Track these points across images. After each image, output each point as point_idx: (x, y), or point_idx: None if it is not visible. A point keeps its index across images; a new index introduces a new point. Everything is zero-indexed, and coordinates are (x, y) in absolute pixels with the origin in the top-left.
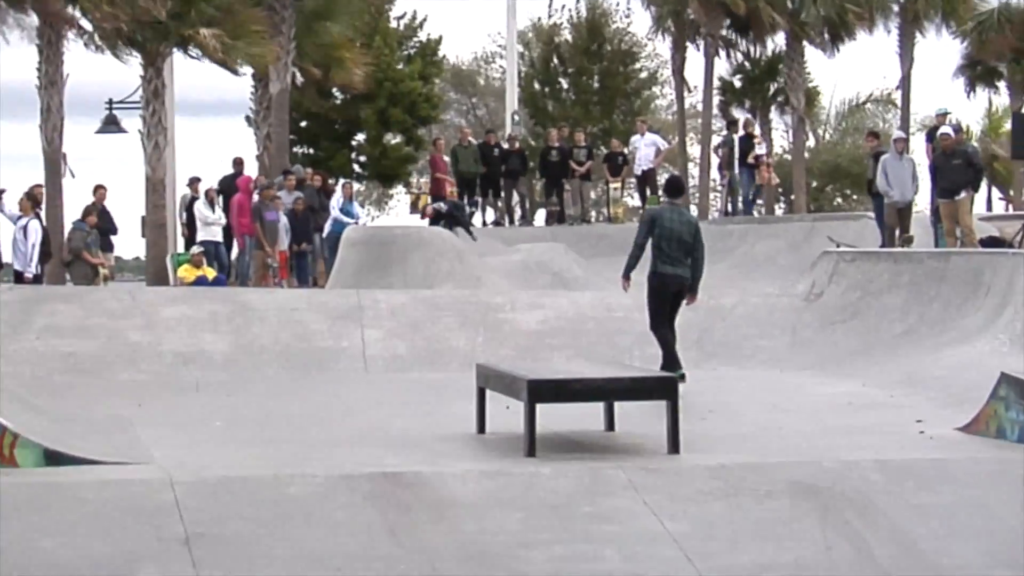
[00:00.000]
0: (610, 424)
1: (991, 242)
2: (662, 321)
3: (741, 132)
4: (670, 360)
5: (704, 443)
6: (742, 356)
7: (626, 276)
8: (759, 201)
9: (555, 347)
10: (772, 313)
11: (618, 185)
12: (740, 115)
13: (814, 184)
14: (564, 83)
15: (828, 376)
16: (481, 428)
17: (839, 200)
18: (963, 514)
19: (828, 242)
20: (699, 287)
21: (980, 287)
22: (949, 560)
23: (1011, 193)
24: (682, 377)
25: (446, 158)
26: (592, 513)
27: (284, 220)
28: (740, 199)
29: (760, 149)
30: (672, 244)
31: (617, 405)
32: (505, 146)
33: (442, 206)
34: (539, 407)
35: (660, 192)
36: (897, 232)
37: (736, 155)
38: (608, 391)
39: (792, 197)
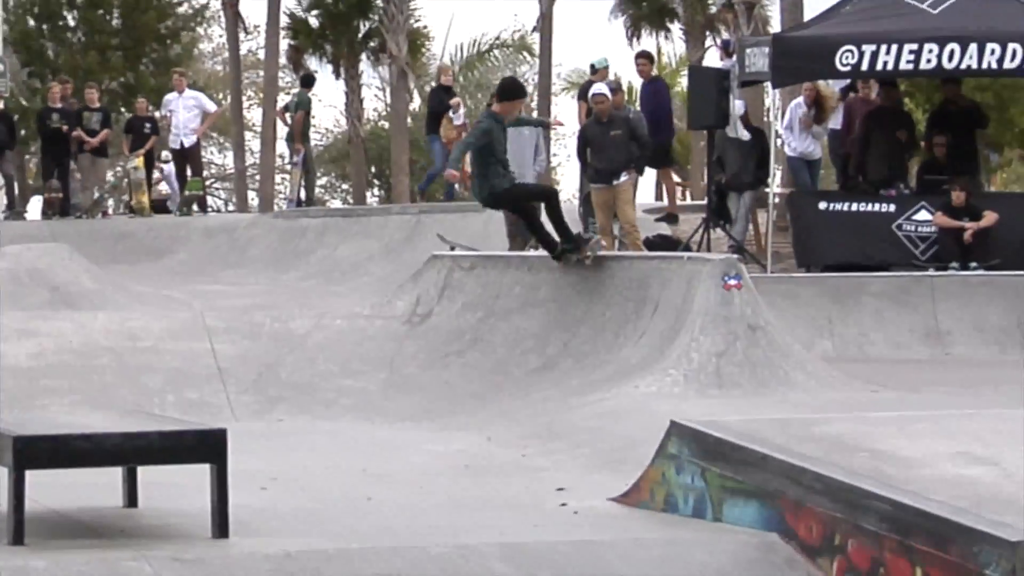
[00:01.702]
0: (132, 498)
1: (660, 243)
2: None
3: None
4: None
5: (263, 523)
6: (320, 402)
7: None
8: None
9: (54, 391)
10: (362, 342)
11: (139, 163)
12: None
13: (420, 164)
14: (71, 18)
15: (439, 428)
16: None
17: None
18: None
19: (439, 242)
20: None
21: (645, 304)
22: None
23: (686, 177)
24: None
25: None
26: None
27: None
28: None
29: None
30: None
31: (142, 471)
32: None
33: None
34: (30, 475)
35: (195, 175)
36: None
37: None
38: (129, 452)
39: (391, 180)
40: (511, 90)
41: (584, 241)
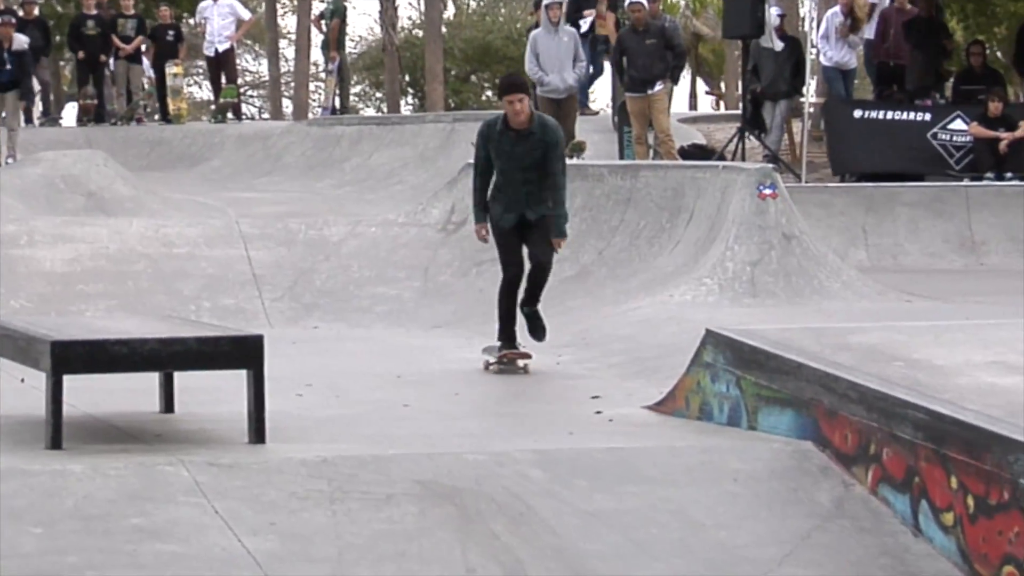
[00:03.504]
0: (168, 404)
1: (695, 152)
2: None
3: None
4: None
5: (300, 429)
6: (354, 309)
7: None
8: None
9: (91, 296)
10: (396, 250)
11: (179, 71)
12: None
13: (454, 72)
14: None
15: (472, 336)
16: None
17: (489, 94)
18: (653, 524)
19: (473, 150)
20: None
21: (680, 214)
22: None
23: (722, 87)
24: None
25: None
26: (142, 527)
27: None
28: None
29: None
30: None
31: (179, 377)
32: (18, 12)
33: None
34: (68, 380)
35: (230, 82)
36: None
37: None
38: (165, 357)
39: (425, 89)
40: (502, 86)
41: (506, 351)
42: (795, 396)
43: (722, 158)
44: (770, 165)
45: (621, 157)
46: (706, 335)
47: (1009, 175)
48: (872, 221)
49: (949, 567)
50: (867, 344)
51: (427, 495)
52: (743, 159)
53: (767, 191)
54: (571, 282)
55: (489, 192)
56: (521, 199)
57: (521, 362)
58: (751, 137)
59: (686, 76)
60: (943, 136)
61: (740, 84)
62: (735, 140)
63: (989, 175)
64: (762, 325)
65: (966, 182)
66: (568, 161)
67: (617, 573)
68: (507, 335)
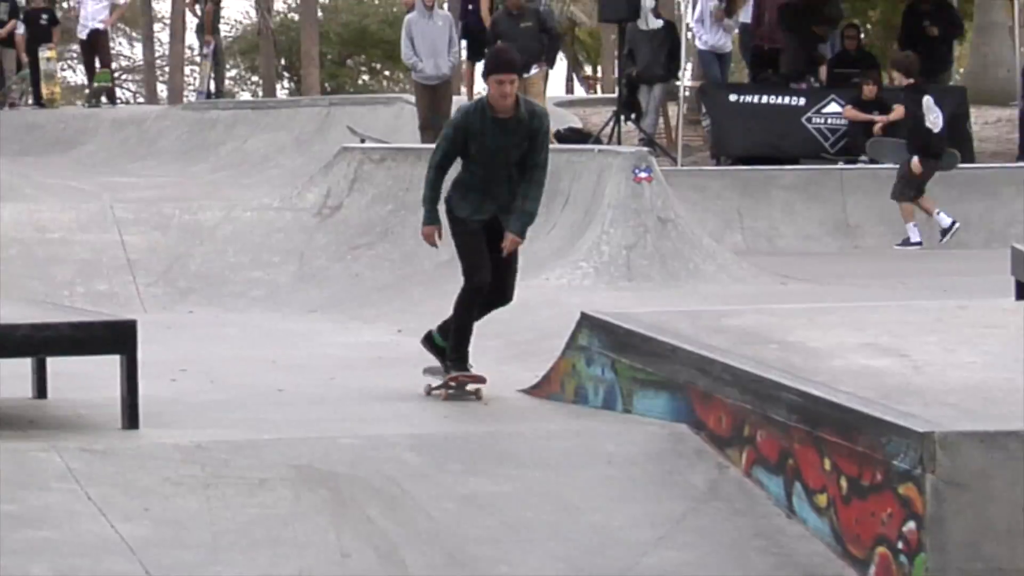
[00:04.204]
0: (41, 389)
1: (571, 135)
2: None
3: None
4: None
5: (174, 414)
6: (229, 293)
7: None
8: None
9: None
10: (271, 234)
11: (52, 55)
12: None
13: (330, 56)
14: None
15: (349, 320)
16: None
17: (366, 77)
18: (528, 507)
19: (349, 134)
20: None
21: (556, 197)
22: (509, 569)
23: (597, 72)
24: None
25: None
26: (14, 513)
27: None
28: None
29: None
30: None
31: (52, 362)
32: None
33: None
34: None
35: (103, 66)
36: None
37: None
38: (38, 343)
39: (300, 73)
40: (490, 63)
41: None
42: (670, 379)
43: (598, 142)
44: (646, 149)
45: None
46: (581, 319)
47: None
48: (747, 204)
49: (822, 548)
50: (742, 327)
51: (301, 480)
52: (619, 143)
53: (643, 174)
54: (446, 266)
55: (448, 191)
56: (499, 197)
57: (472, 386)
58: (627, 121)
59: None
60: (818, 120)
61: (616, 68)
62: (611, 124)
63: (863, 158)
64: (637, 308)
65: (840, 165)
66: None
67: (492, 556)
68: (460, 355)
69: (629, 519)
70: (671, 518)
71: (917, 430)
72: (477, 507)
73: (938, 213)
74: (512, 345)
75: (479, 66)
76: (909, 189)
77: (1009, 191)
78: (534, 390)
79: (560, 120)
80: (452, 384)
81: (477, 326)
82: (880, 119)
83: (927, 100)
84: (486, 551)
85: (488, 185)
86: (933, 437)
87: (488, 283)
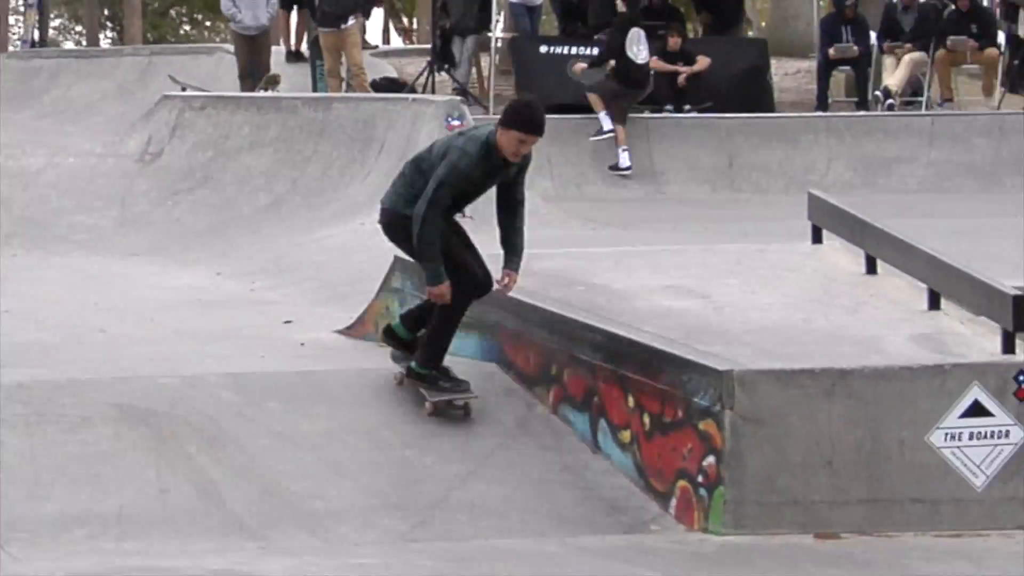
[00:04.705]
0: None
1: (387, 85)
2: None
3: None
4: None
5: None
6: (53, 237)
7: None
8: None
9: None
10: (94, 179)
11: None
12: None
13: (152, 6)
14: None
15: (169, 263)
16: None
17: (188, 27)
18: (343, 443)
19: (171, 83)
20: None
21: (371, 144)
22: (323, 504)
23: (413, 23)
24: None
25: None
26: None
27: None
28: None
29: None
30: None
31: None
32: None
33: None
34: None
35: None
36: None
37: None
38: None
39: (123, 23)
40: (525, 121)
41: (444, 383)
42: (480, 320)
43: (413, 91)
44: (458, 98)
45: (314, 90)
46: (395, 262)
47: (687, 107)
48: (557, 152)
49: (626, 482)
50: (550, 269)
51: (122, 418)
52: (433, 92)
53: (455, 122)
54: (265, 211)
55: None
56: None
57: (462, 400)
58: (441, 71)
59: (379, 12)
60: None
61: (431, 20)
62: (425, 74)
63: (668, 107)
64: None
65: (647, 114)
66: (263, 94)
67: (307, 491)
68: (441, 362)
69: (440, 455)
70: (481, 454)
71: (716, 368)
72: (293, 444)
73: (624, 150)
74: (328, 287)
75: (294, 15)
76: (604, 95)
77: (807, 139)
78: (349, 331)
79: (377, 70)
80: (453, 403)
81: (294, 269)
82: (684, 70)
83: (633, 33)
84: (301, 486)
85: (459, 205)
86: (732, 375)
87: (490, 278)
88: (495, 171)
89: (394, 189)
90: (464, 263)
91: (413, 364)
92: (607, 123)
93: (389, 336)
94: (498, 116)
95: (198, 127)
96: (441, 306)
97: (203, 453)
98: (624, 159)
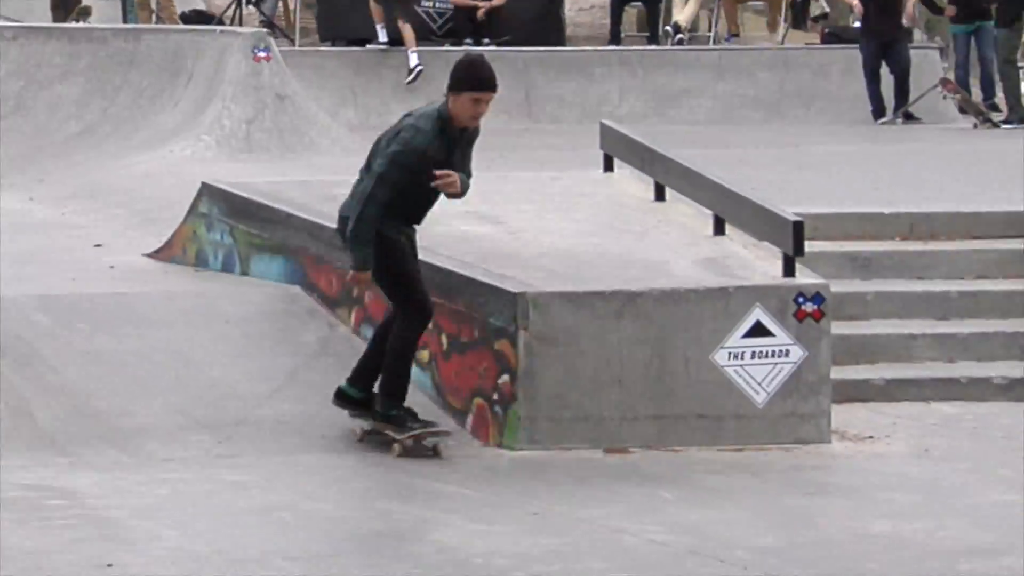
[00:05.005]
0: None
1: (195, 17)
2: None
3: None
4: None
5: None
6: None
7: None
8: None
9: None
10: None
11: None
12: None
13: None
14: None
15: None
16: None
17: None
18: (151, 363)
19: None
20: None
21: (180, 75)
22: (131, 421)
23: None
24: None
25: None
26: None
27: None
28: None
29: None
30: None
31: None
32: None
33: None
34: None
35: None
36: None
37: None
38: None
39: None
40: (472, 78)
41: (413, 423)
42: (284, 244)
43: (220, 23)
44: (264, 30)
45: (125, 21)
46: (202, 187)
47: (486, 41)
48: (360, 83)
49: (425, 400)
50: None
51: None
52: (240, 25)
53: (261, 54)
54: (77, 139)
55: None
56: (421, 212)
57: (432, 441)
58: (248, 4)
59: None
60: (427, 4)
61: None
62: (232, 6)
63: (468, 41)
64: (256, 179)
65: (447, 47)
66: (74, 24)
67: (116, 409)
68: (403, 397)
69: (245, 374)
70: (284, 373)
71: (511, 291)
72: (103, 364)
73: (412, 52)
74: (137, 213)
75: None
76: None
77: (601, 71)
78: (157, 254)
79: (185, 3)
80: (425, 440)
81: (105, 195)
82: (483, 4)
83: None
84: (110, 404)
85: (417, 200)
86: (526, 297)
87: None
88: (453, 145)
89: (351, 196)
90: (422, 293)
91: (379, 410)
92: (413, 59)
93: (342, 399)
94: (303, 48)
95: (10, 56)
96: (392, 345)
97: (14, 372)
98: (412, 59)
